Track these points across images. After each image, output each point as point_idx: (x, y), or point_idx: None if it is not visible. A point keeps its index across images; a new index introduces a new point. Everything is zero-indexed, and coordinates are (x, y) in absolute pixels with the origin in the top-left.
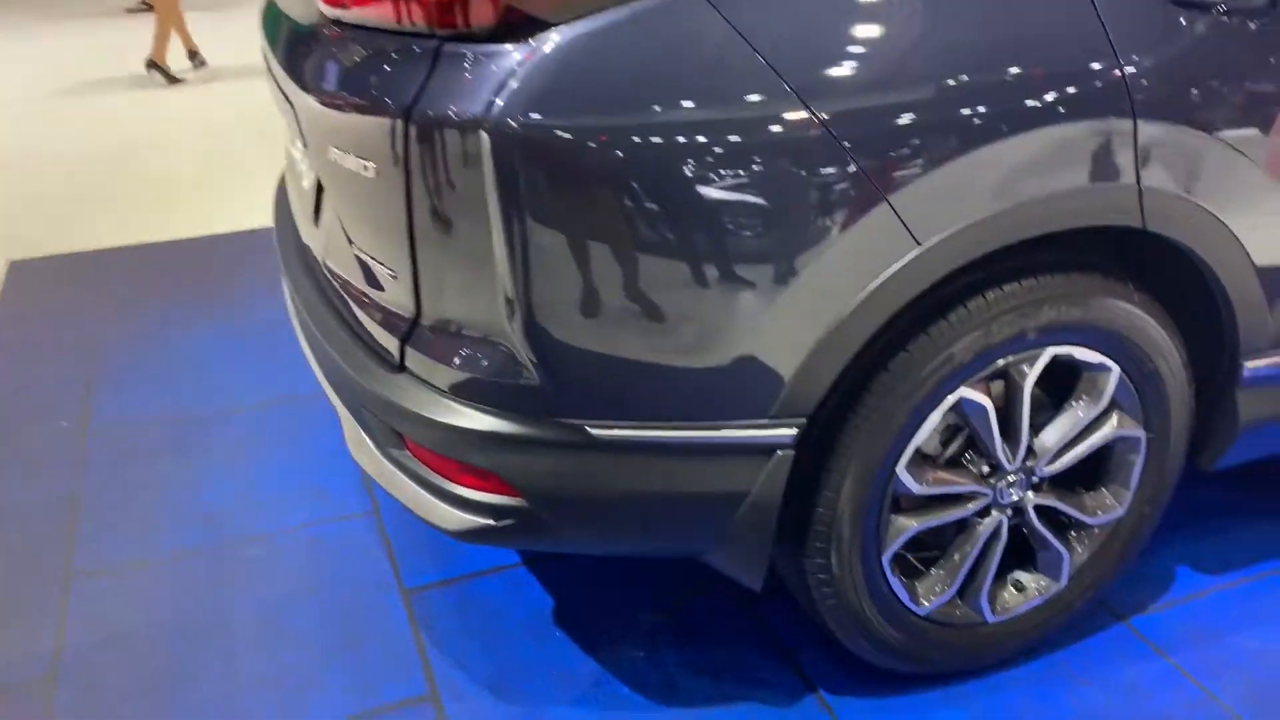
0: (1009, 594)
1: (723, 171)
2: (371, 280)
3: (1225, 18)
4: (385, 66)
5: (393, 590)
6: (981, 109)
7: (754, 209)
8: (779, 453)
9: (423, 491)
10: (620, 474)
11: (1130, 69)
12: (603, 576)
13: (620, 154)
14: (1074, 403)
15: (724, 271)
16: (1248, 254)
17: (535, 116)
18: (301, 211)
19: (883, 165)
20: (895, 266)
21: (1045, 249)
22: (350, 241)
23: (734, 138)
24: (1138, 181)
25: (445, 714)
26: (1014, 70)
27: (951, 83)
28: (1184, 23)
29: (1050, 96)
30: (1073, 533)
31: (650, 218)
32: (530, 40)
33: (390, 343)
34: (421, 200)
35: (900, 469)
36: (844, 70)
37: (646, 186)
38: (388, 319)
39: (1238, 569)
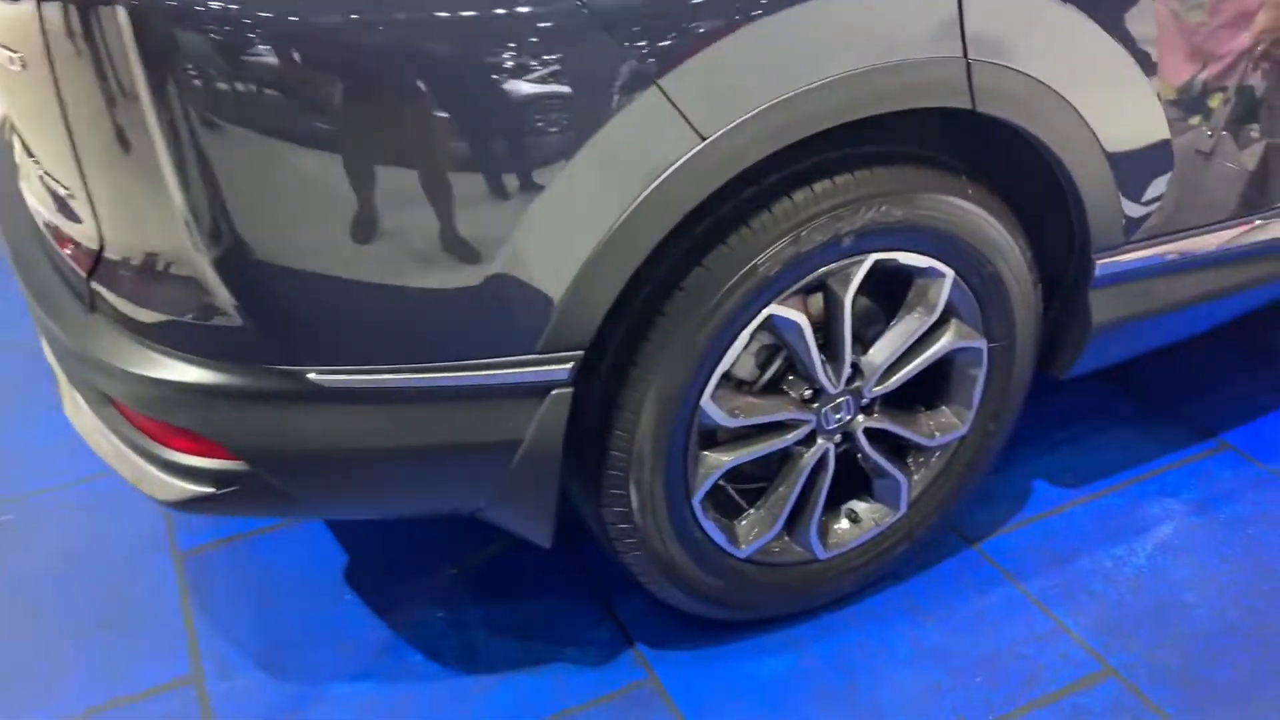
0: (842, 526)
1: (449, 49)
2: (58, 204)
3: None
4: None
5: (164, 552)
6: None
7: (491, 94)
8: (554, 392)
9: (135, 456)
10: (357, 429)
11: None
12: (401, 527)
13: (315, 30)
14: (904, 314)
15: (459, 175)
16: (1096, 138)
17: None
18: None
19: (650, 39)
20: (674, 166)
21: (861, 139)
22: (31, 155)
23: (462, 8)
24: (964, 53)
25: (208, 698)
26: None
27: None
28: None
29: None
30: (911, 456)
31: (360, 108)
32: None
33: (79, 280)
34: (73, 100)
35: (705, 400)
36: None
37: (353, 69)
38: (76, 252)
39: (1093, 481)
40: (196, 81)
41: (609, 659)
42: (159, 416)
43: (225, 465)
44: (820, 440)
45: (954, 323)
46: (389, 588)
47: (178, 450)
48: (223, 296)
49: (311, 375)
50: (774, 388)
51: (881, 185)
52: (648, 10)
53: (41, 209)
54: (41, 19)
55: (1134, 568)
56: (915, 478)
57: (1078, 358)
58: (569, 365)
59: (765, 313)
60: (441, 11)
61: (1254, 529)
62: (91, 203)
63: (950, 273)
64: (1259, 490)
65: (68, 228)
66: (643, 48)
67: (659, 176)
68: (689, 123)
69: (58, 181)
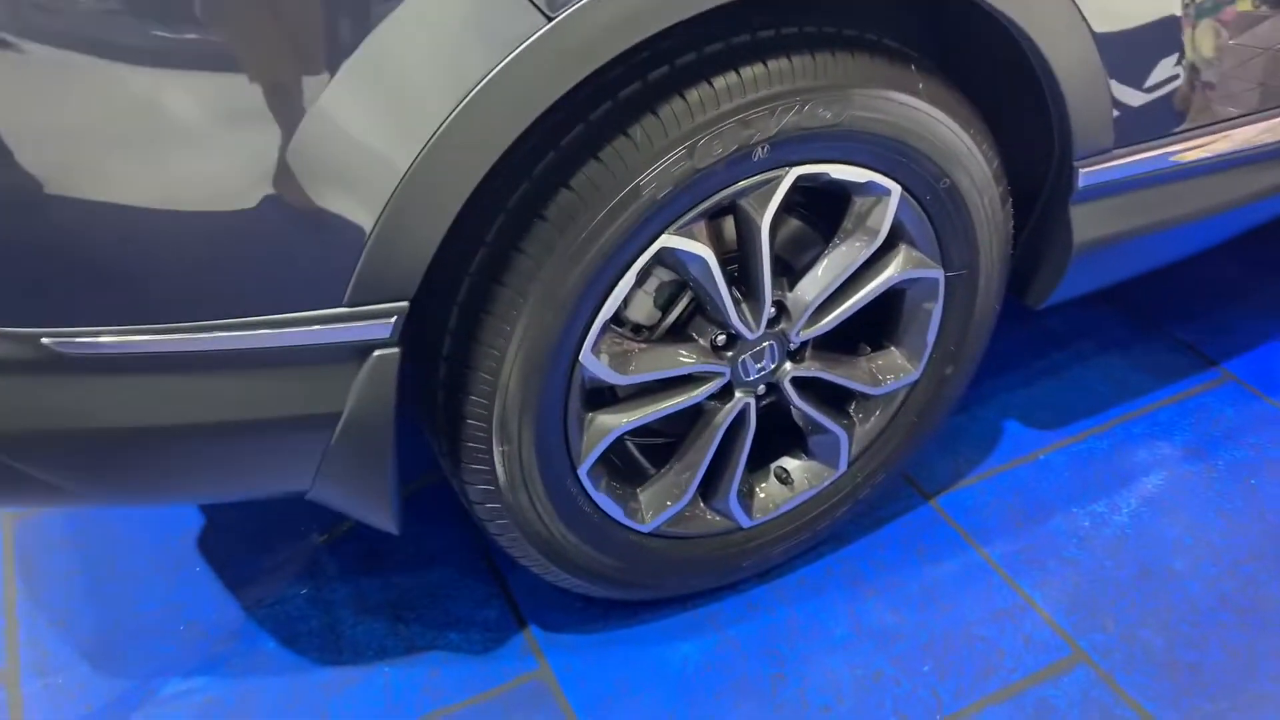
0: (771, 488)
1: None
2: None
3: None
4: None
5: None
6: None
7: None
8: (376, 354)
9: None
10: (116, 404)
11: None
12: None
13: None
14: (839, 241)
15: (213, 51)
16: (1083, 16)
17: None
18: None
19: None
20: (510, 55)
21: (774, 17)
22: None
23: None
24: None
25: (21, 696)
26: None
27: None
28: None
29: None
30: (852, 406)
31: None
32: None
33: None
34: None
35: (585, 354)
36: None
37: None
38: None
39: (1074, 421)
40: None
41: (496, 646)
42: None
43: None
44: (739, 394)
45: (902, 249)
46: (245, 559)
47: None
48: None
49: (46, 340)
50: (679, 333)
51: (804, 78)
52: None
53: None
54: None
55: (1115, 528)
56: (857, 431)
57: (1056, 284)
58: (391, 319)
59: (657, 245)
60: None
61: (1257, 478)
62: None
63: (896, 188)
64: (1265, 430)
65: None
66: None
67: (492, 69)
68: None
69: None
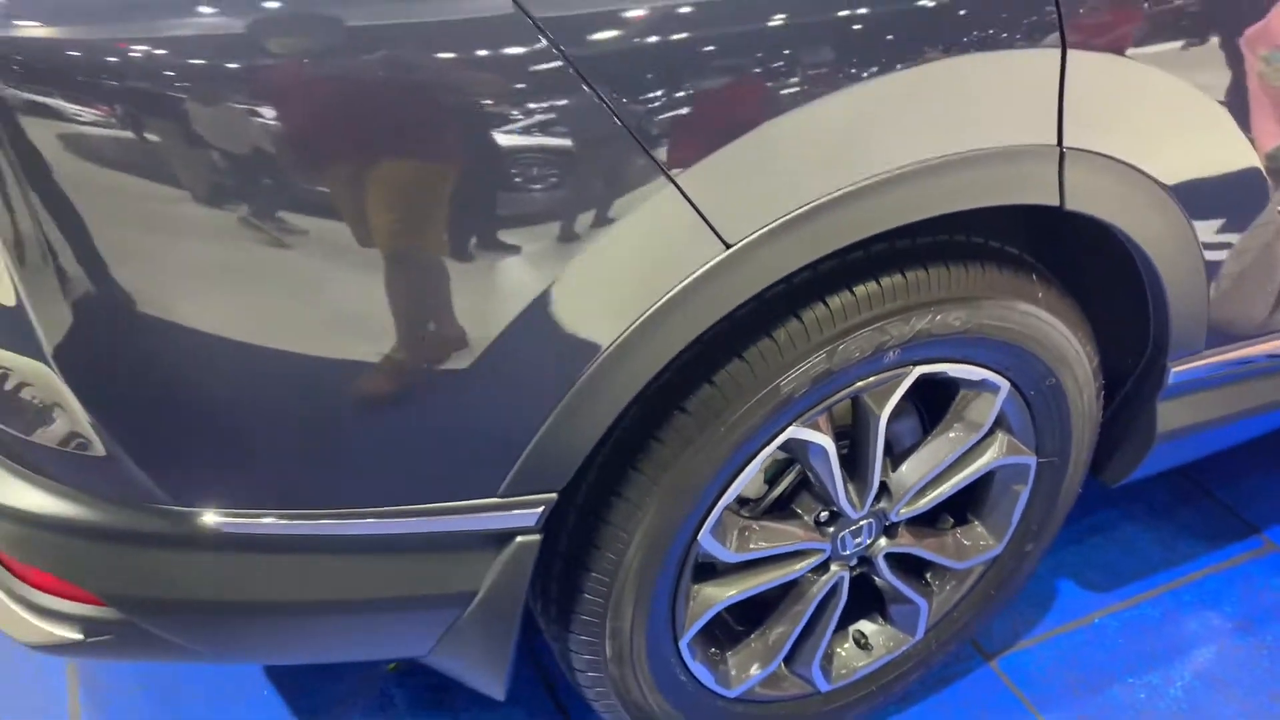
0: (849, 653)
1: (403, 115)
2: None
3: None
4: None
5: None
6: (817, 34)
7: (469, 179)
8: (518, 540)
9: None
10: (260, 579)
11: None
12: None
13: (221, 84)
14: (945, 429)
15: (414, 272)
16: (1194, 232)
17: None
18: None
19: (665, 123)
20: (689, 279)
21: (910, 228)
22: None
23: (417, 64)
24: (1059, 140)
25: None
26: None
27: None
28: None
29: (930, 13)
30: (932, 577)
31: (280, 183)
32: None
33: None
34: None
35: (705, 534)
36: None
37: (264, 126)
38: None
39: (1124, 585)
40: (49, 147)
41: None
42: (9, 551)
43: (95, 612)
44: (834, 567)
45: (1001, 436)
46: (314, 686)
47: (37, 589)
48: (81, 416)
49: (206, 518)
50: (784, 508)
51: (939, 289)
52: (669, 86)
53: None
54: None
55: (1170, 702)
56: (936, 600)
57: (1135, 467)
58: (539, 510)
59: (785, 436)
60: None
61: None
62: None
63: (1006, 384)
64: None
65: None
66: (659, 134)
67: (671, 290)
68: (711, 226)
69: None
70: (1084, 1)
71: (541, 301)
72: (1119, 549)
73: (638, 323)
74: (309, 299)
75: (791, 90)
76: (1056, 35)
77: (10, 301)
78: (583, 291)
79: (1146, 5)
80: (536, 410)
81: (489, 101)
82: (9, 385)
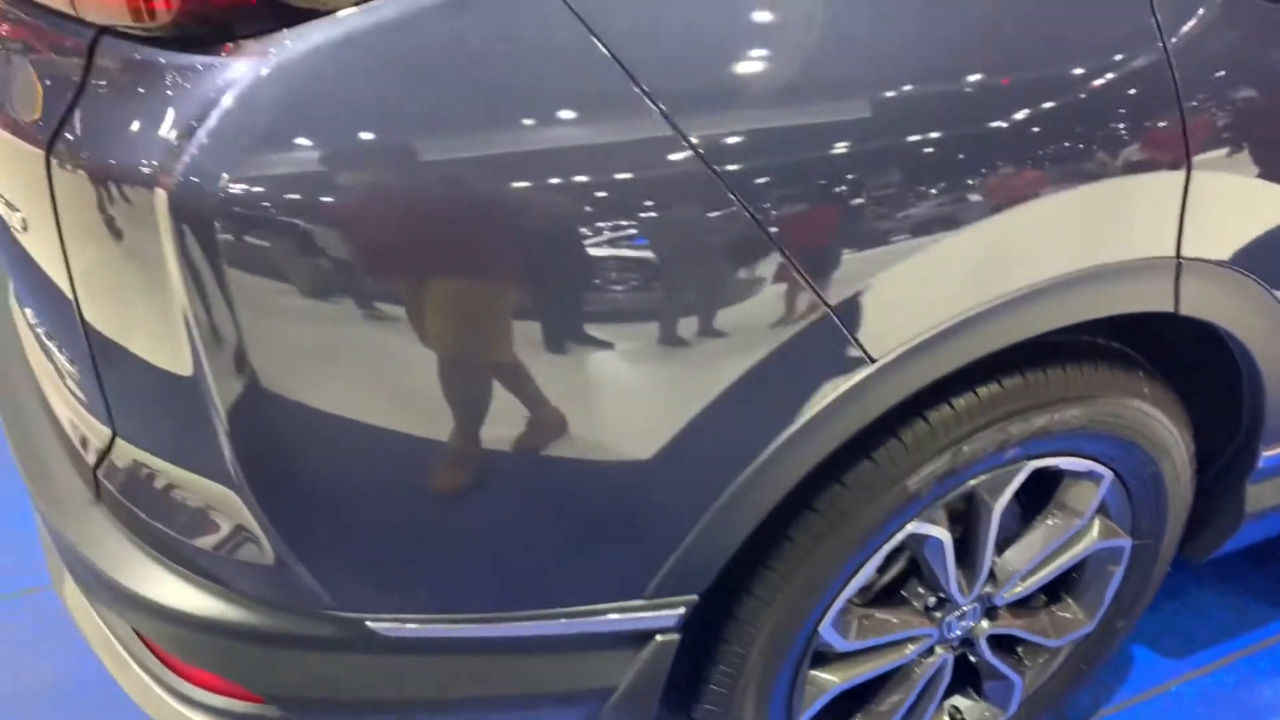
0: None
1: (567, 239)
2: (62, 376)
3: None
4: (27, 63)
5: None
6: (967, 162)
7: (630, 308)
8: (658, 639)
9: (141, 674)
10: (419, 678)
11: (1191, 92)
12: None
13: (404, 222)
14: (1049, 517)
15: (579, 397)
16: None
17: (252, 173)
18: None
19: (820, 246)
20: (837, 395)
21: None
22: (35, 323)
23: (583, 204)
24: (1177, 252)
25: None
26: (1025, 117)
27: (928, 131)
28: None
29: (1076, 136)
30: (1025, 654)
31: (457, 310)
32: (252, 46)
33: (83, 464)
34: (88, 279)
35: (825, 626)
36: (747, 93)
37: (449, 262)
38: (82, 433)
39: (1199, 651)
40: (243, 276)
41: None
42: (171, 650)
43: (251, 708)
44: (940, 650)
45: (1100, 521)
46: None
47: (194, 684)
48: (256, 526)
49: (370, 624)
50: (892, 595)
51: (1057, 389)
52: (824, 211)
53: (44, 378)
54: (52, 182)
55: None
56: (1029, 676)
57: (1220, 545)
58: (681, 611)
59: (905, 531)
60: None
61: None
62: (101, 386)
63: (1109, 474)
64: None
65: (73, 404)
66: (811, 256)
67: (820, 404)
68: (860, 344)
69: (63, 354)
70: (1207, 130)
71: (702, 414)
72: (1192, 615)
73: (786, 435)
74: (480, 411)
75: (941, 214)
76: (1184, 159)
77: (186, 416)
78: (738, 405)
79: (1259, 131)
80: (689, 515)
81: (641, 219)
82: (181, 493)
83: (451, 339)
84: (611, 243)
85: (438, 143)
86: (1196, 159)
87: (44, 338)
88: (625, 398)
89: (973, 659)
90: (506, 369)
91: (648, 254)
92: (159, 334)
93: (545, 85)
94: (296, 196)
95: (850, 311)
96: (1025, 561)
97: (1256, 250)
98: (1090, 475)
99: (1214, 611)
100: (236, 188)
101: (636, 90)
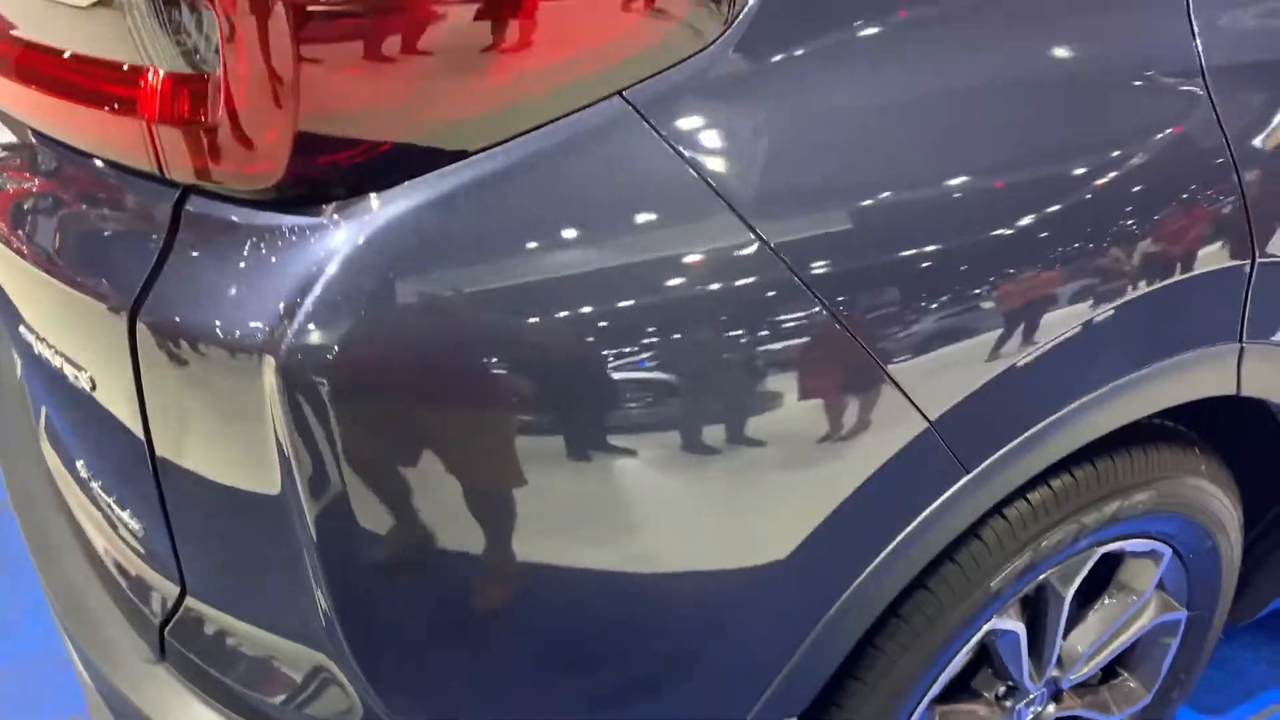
0: None
1: (680, 382)
2: (116, 528)
3: None
4: (101, 221)
5: None
6: (1055, 279)
7: (744, 437)
8: None
9: None
10: None
11: (1250, 177)
12: None
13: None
14: (1111, 597)
15: (683, 530)
16: None
17: (361, 336)
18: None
19: (918, 362)
20: (933, 506)
21: None
22: (86, 474)
23: (700, 344)
24: (1240, 337)
25: None
26: (1110, 244)
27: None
28: None
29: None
30: None
31: (580, 452)
32: (356, 204)
33: (145, 619)
34: (171, 439)
35: None
36: (855, 231)
37: (569, 408)
38: (140, 583)
39: (1239, 705)
40: (354, 439)
41: None
42: None
43: None
44: None
45: (1158, 596)
46: None
47: None
48: (351, 687)
49: None
50: (965, 689)
51: (1125, 475)
52: (923, 331)
53: (88, 524)
54: (134, 346)
55: None
56: None
57: (1263, 608)
58: None
59: (986, 628)
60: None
61: None
62: (174, 544)
63: (1168, 551)
64: None
65: (129, 556)
66: (911, 372)
67: (919, 517)
68: (956, 457)
69: (122, 508)
70: (1271, 224)
71: (817, 530)
72: (1226, 673)
73: (888, 550)
74: (618, 560)
75: (1023, 328)
76: (1249, 251)
77: (280, 580)
78: (848, 521)
79: None
80: (798, 632)
81: (764, 352)
82: (262, 651)
83: (577, 480)
84: (732, 376)
85: (547, 293)
86: (1260, 251)
87: (97, 489)
88: (747, 520)
89: None
90: (634, 504)
91: (773, 385)
92: (254, 497)
93: (665, 233)
94: (406, 356)
95: (948, 425)
96: (1090, 644)
97: None
98: (1151, 554)
99: (1247, 668)
100: (346, 351)
101: (752, 237)
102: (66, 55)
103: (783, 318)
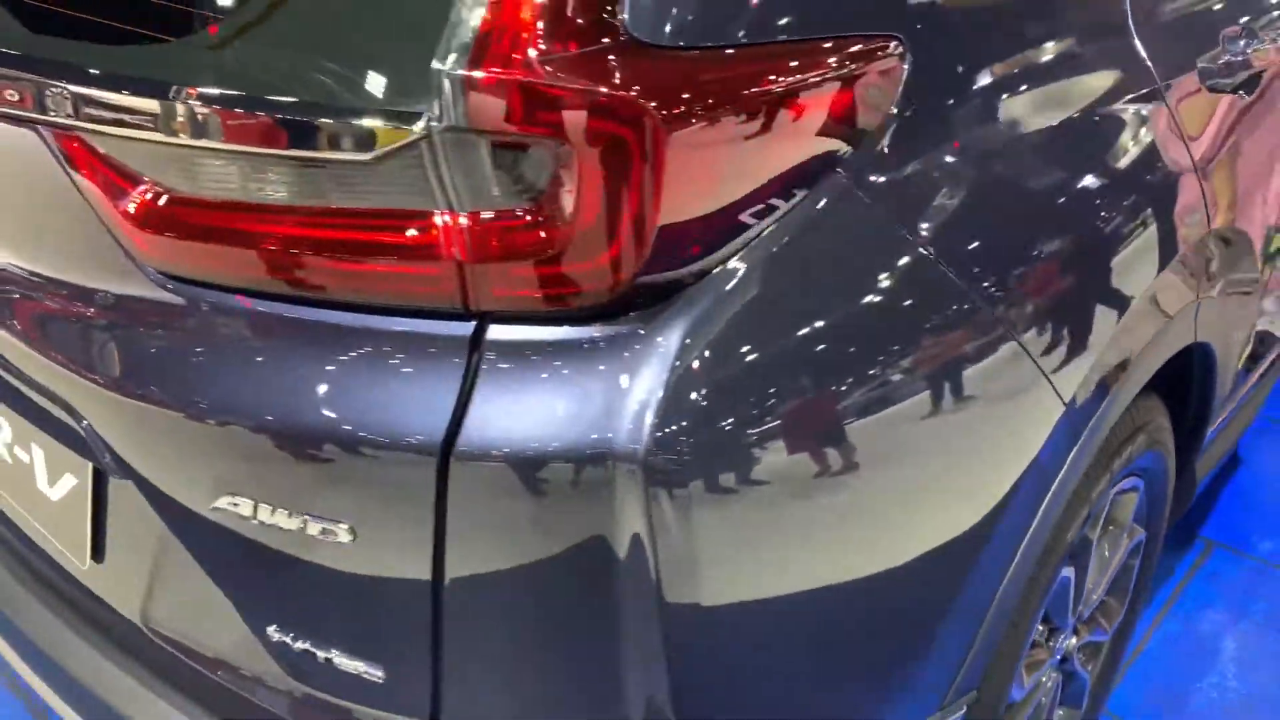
0: None
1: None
2: (296, 669)
3: None
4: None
5: None
6: None
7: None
8: None
9: None
10: None
11: None
12: None
13: None
14: (1106, 535)
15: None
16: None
17: (703, 436)
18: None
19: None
20: (1062, 471)
21: None
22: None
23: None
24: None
25: None
26: None
27: None
28: None
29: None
30: (1085, 654)
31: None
32: (670, 308)
33: None
34: (464, 572)
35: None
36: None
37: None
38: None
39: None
40: (714, 529)
41: None
42: None
43: None
44: (1051, 673)
45: (1130, 524)
46: None
47: None
48: None
49: None
50: None
51: (1142, 415)
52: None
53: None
54: (443, 486)
55: (1235, 694)
56: (1093, 672)
57: (1179, 516)
58: (963, 711)
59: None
60: None
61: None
62: (437, 677)
63: (1143, 484)
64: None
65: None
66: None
67: (1050, 488)
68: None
69: (355, 659)
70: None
71: (993, 513)
72: None
73: (1035, 523)
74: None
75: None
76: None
77: None
78: (1019, 501)
79: None
80: (981, 610)
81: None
82: None
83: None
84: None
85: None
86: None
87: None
88: (963, 514)
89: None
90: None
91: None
92: (562, 606)
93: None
94: (753, 439)
95: (1073, 408)
96: (1098, 578)
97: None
98: (1134, 489)
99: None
100: (704, 446)
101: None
102: (327, 212)
103: (980, 343)
